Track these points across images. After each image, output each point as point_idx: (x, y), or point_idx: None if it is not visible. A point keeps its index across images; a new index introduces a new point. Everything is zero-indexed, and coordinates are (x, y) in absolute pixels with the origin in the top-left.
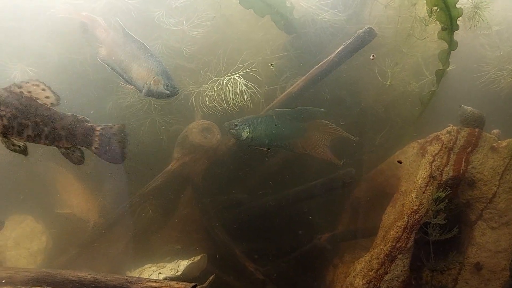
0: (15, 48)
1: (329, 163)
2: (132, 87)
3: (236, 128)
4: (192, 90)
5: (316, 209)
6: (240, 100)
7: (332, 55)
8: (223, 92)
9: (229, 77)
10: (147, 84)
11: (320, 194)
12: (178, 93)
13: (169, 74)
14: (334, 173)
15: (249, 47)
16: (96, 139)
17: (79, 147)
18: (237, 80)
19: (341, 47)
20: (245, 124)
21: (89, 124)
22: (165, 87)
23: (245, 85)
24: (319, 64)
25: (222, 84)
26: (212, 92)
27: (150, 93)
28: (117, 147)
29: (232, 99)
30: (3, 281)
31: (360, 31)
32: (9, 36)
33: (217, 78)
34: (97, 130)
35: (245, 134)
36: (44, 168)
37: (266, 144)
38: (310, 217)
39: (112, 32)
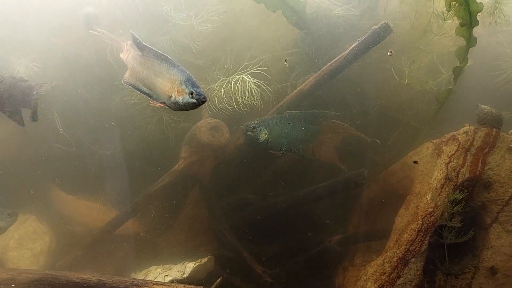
0: (19, 42)
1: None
2: (161, 104)
3: (254, 130)
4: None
5: (326, 210)
6: (250, 99)
7: (346, 52)
8: (232, 91)
9: (238, 76)
10: (172, 96)
11: (331, 195)
12: (206, 100)
13: (194, 81)
14: (345, 174)
15: (259, 43)
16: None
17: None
18: (246, 80)
19: (355, 43)
20: (262, 126)
21: (27, 84)
22: (190, 96)
23: (255, 83)
24: (332, 61)
25: (231, 83)
26: (221, 92)
27: (177, 106)
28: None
29: (242, 98)
30: (13, 285)
31: (376, 26)
32: (13, 30)
33: (226, 78)
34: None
35: (262, 136)
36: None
37: (282, 147)
38: (328, 221)
39: (132, 49)
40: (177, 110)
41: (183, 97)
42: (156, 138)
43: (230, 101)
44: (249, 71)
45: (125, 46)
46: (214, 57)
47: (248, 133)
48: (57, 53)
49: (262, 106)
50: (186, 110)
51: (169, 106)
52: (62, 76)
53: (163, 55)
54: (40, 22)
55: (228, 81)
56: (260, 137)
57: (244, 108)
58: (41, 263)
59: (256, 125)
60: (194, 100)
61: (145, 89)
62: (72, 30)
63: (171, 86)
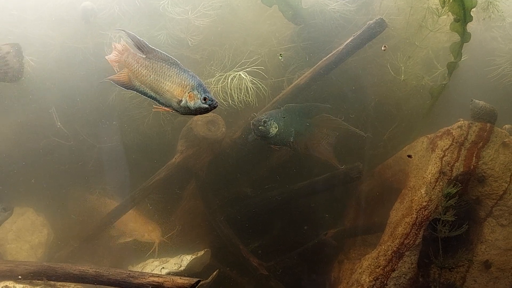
0: (18, 37)
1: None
2: (168, 108)
3: (265, 125)
4: None
5: (322, 204)
6: (246, 95)
7: (341, 47)
8: (228, 87)
9: (235, 73)
10: (182, 101)
11: (326, 189)
12: (218, 105)
13: (205, 86)
14: (341, 168)
15: (255, 37)
16: None
17: None
18: (243, 77)
19: (350, 38)
20: (271, 120)
21: None
22: (203, 101)
23: (251, 78)
24: (327, 56)
25: (228, 79)
26: (217, 87)
27: (187, 111)
28: (15, 64)
29: (238, 94)
30: (19, 276)
31: (371, 22)
32: (11, 25)
33: (222, 73)
34: None
35: (273, 129)
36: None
37: (285, 140)
38: (323, 215)
39: (132, 50)
40: (185, 114)
41: (194, 102)
42: (153, 131)
43: (226, 96)
44: (245, 67)
45: (119, 46)
46: (211, 51)
47: (260, 127)
48: (55, 46)
49: (257, 104)
50: (195, 115)
51: (176, 111)
52: (60, 69)
53: (171, 58)
54: (39, 16)
55: (225, 77)
56: (271, 130)
57: (239, 104)
58: (39, 255)
59: (266, 119)
60: (207, 106)
61: (152, 93)
62: (70, 24)
63: (182, 91)
